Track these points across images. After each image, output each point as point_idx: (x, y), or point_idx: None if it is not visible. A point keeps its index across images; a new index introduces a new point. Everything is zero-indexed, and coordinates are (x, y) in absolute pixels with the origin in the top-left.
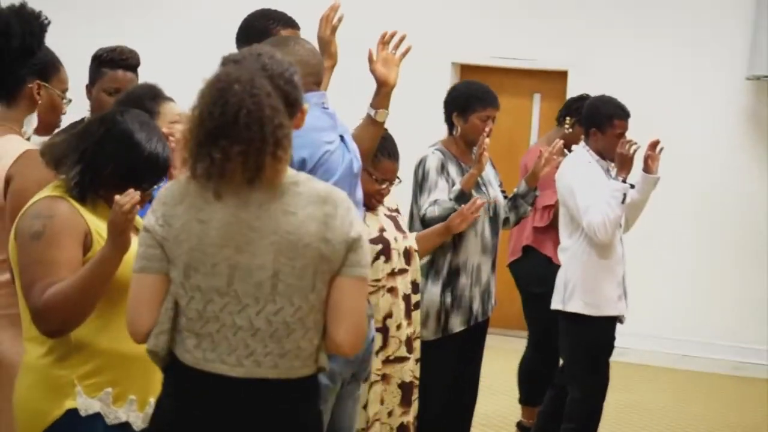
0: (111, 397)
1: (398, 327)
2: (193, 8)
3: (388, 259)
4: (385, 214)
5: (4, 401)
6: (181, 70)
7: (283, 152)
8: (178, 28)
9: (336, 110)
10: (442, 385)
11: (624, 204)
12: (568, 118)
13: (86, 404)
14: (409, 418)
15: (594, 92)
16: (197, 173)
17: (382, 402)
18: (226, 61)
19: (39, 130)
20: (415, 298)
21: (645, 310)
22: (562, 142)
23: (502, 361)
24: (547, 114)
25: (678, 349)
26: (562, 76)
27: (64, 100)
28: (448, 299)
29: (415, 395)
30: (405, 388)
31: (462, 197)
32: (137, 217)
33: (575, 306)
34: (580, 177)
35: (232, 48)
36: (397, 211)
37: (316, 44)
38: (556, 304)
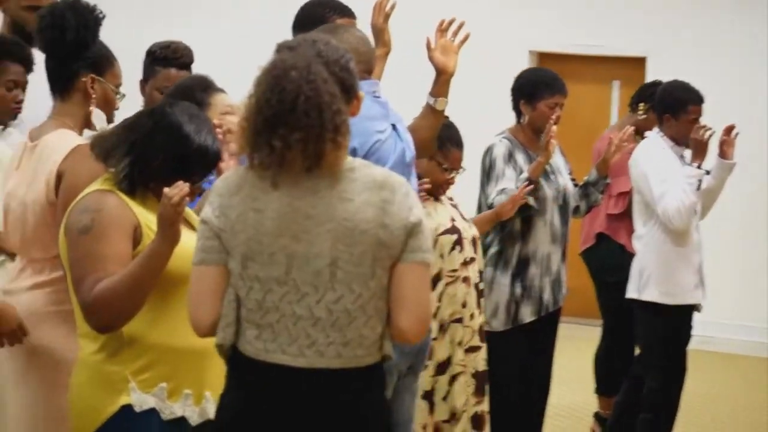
0: (165, 392)
1: (471, 316)
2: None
3: (462, 249)
4: (450, 204)
5: (61, 398)
6: (234, 61)
7: (343, 138)
8: (229, 18)
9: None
10: (513, 377)
11: (699, 190)
12: (641, 104)
13: (141, 400)
14: (484, 407)
15: (672, 78)
16: (255, 163)
17: None
18: (281, 48)
19: (92, 125)
20: (480, 287)
21: (725, 298)
22: (632, 128)
23: (577, 351)
24: (626, 101)
25: (757, 337)
26: (640, 62)
27: (118, 95)
28: (518, 290)
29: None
30: (479, 377)
31: (529, 185)
32: (188, 210)
33: (651, 294)
34: (654, 163)
35: (283, 38)
36: (451, 200)
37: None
38: (631, 293)
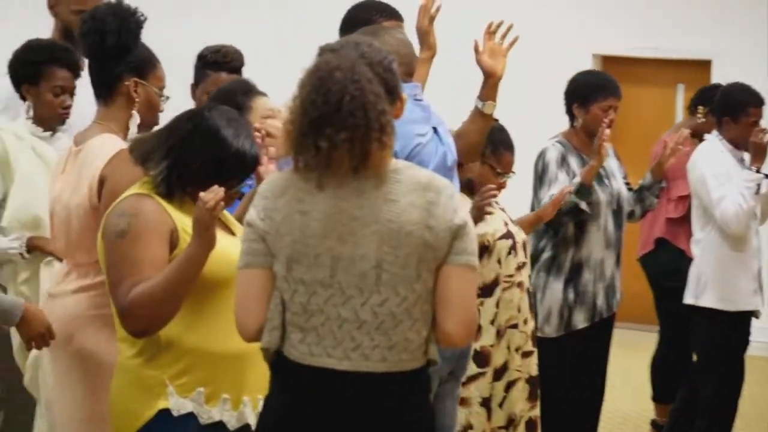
0: (203, 397)
1: (525, 321)
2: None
3: (516, 253)
4: (500, 208)
5: (103, 401)
6: (278, 65)
7: (388, 138)
8: (276, 23)
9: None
10: (566, 383)
11: (758, 194)
12: (700, 107)
13: (179, 404)
14: (537, 413)
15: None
16: (300, 165)
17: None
18: (324, 50)
19: (137, 128)
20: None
21: None
22: (688, 131)
23: (633, 357)
24: None
25: None
26: (705, 65)
27: (162, 98)
28: (571, 295)
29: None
30: (532, 382)
31: (581, 190)
32: (225, 214)
33: (708, 300)
34: (713, 167)
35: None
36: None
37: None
38: (688, 299)
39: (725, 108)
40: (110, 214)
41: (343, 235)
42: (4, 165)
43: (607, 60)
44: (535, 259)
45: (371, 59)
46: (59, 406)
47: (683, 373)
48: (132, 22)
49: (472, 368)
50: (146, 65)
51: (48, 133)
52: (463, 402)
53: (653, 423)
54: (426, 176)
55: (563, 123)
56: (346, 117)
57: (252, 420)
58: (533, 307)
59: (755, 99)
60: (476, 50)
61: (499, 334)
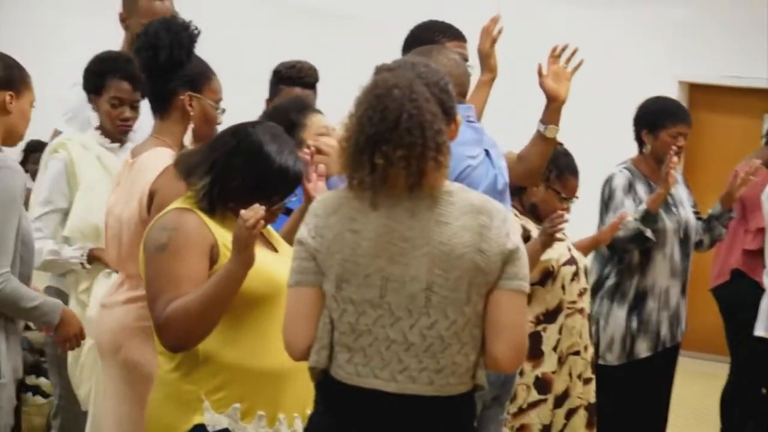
0: (239, 413)
1: (585, 348)
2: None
3: (579, 279)
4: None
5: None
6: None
7: (444, 158)
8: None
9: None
10: (626, 412)
11: None
12: None
13: (214, 420)
14: None
15: None
16: (354, 183)
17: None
18: (380, 70)
19: (194, 142)
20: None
21: None
22: (759, 161)
23: (702, 387)
24: None
25: None
26: None
27: (218, 110)
28: (634, 323)
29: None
30: (590, 409)
31: (647, 217)
32: (270, 230)
33: None
34: None
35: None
36: None
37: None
38: (759, 331)
39: None
40: (152, 228)
41: (393, 255)
42: (71, 175)
43: (693, 87)
44: (599, 285)
45: (428, 79)
46: (107, 416)
47: (754, 406)
48: (185, 36)
49: (533, 395)
50: (200, 78)
51: (116, 145)
52: (524, 429)
53: None
54: (479, 199)
55: None
56: (403, 135)
57: None
58: (593, 334)
59: None
60: (539, 73)
61: (561, 361)
